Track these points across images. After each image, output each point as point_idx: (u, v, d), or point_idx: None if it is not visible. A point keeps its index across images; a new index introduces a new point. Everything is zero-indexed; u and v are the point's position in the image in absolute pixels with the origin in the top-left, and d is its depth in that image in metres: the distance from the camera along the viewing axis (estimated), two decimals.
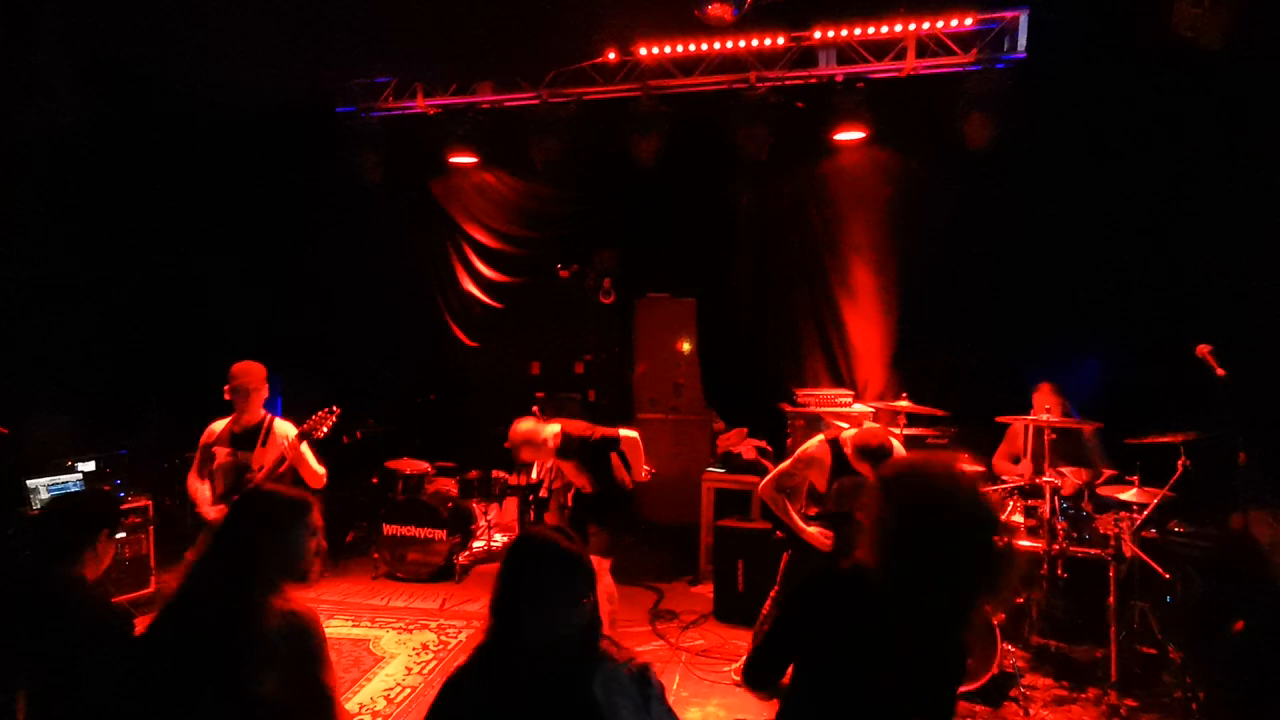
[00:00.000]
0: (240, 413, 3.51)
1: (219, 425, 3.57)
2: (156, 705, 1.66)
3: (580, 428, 3.78)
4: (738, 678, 1.95)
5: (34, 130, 4.63)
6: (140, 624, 1.93)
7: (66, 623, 1.97)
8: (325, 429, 3.48)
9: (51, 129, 4.63)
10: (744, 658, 1.81)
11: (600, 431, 3.79)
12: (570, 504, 4.04)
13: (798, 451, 3.59)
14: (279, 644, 1.65)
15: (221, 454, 3.49)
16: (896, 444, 3.45)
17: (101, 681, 1.89)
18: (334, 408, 3.54)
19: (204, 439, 3.58)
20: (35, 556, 2.14)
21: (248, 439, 3.49)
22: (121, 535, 4.44)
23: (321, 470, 3.57)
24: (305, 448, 3.50)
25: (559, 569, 1.53)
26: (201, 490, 3.50)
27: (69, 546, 2.11)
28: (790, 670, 1.72)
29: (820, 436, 3.58)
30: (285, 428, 3.53)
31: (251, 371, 3.48)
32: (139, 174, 5.38)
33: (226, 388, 3.48)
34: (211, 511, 3.43)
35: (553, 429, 3.71)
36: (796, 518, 3.46)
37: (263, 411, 3.56)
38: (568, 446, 3.72)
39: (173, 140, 5.47)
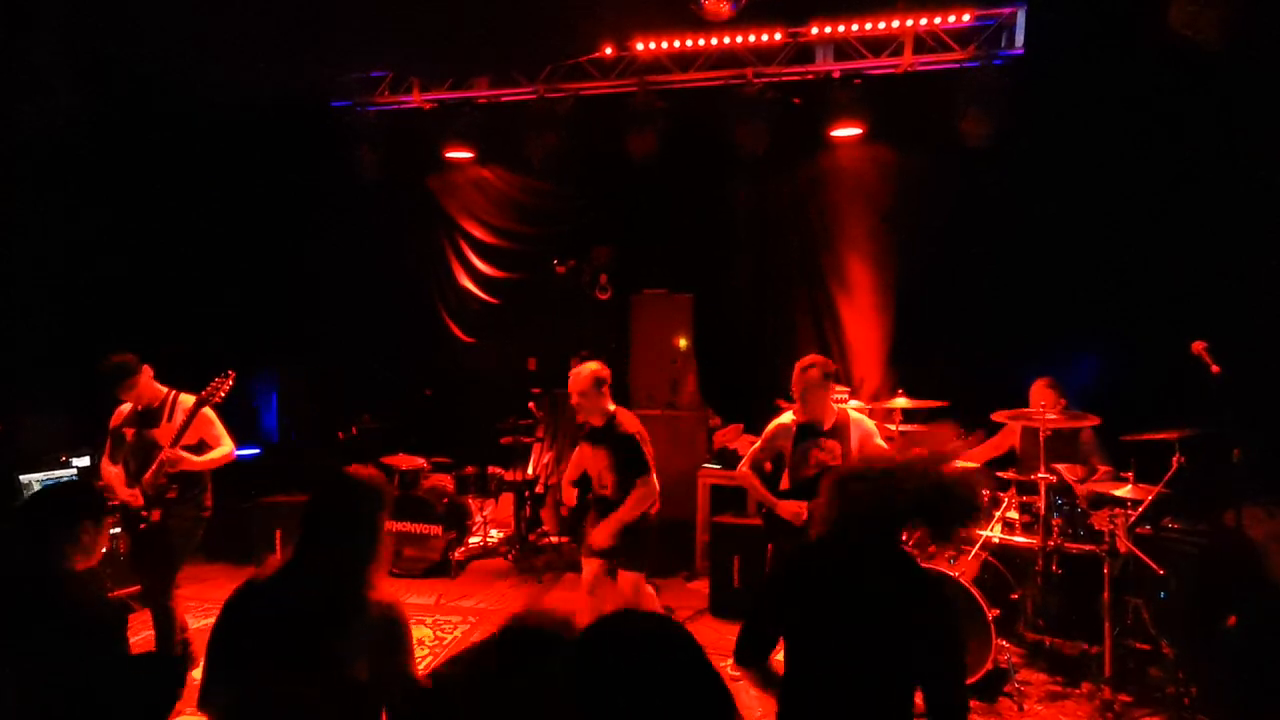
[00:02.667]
0: (136, 399, 3.49)
1: (126, 407, 3.55)
2: (260, 687, 1.70)
3: (626, 415, 3.47)
4: (735, 671, 2.00)
5: (34, 129, 4.65)
6: (137, 620, 1.95)
7: (56, 618, 1.98)
8: (222, 393, 3.46)
9: (51, 128, 4.65)
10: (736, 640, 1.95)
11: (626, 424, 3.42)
12: (570, 505, 3.94)
13: (769, 427, 3.65)
14: (375, 633, 1.73)
15: (129, 435, 3.48)
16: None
17: (88, 674, 1.90)
18: (229, 372, 3.50)
19: (112, 421, 3.55)
20: (19, 551, 2.14)
21: (152, 416, 3.47)
22: (116, 531, 4.47)
23: (228, 442, 3.54)
24: (210, 413, 3.47)
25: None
26: (113, 472, 3.48)
27: (49, 540, 2.11)
28: (784, 662, 1.81)
29: (791, 412, 3.63)
30: (188, 400, 3.50)
31: (121, 364, 3.44)
32: (139, 174, 5.40)
33: (111, 391, 3.44)
34: (126, 493, 3.39)
35: (591, 370, 3.41)
36: (768, 493, 3.52)
37: (164, 389, 3.54)
38: (605, 429, 3.42)
39: (173, 140, 5.48)
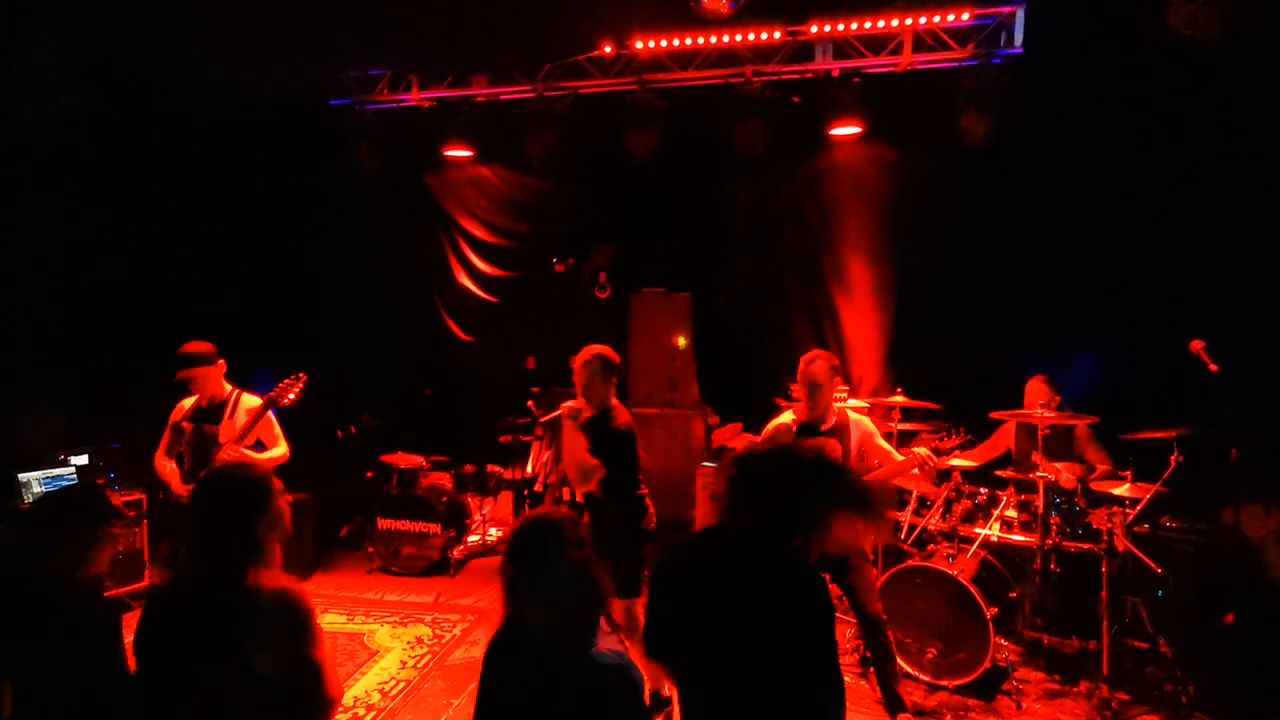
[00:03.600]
0: (201, 392, 3.52)
1: (188, 402, 3.59)
2: (158, 687, 1.73)
3: (623, 410, 3.21)
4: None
5: (33, 130, 4.65)
6: (134, 619, 1.97)
7: (54, 616, 1.99)
8: (292, 395, 3.47)
9: (51, 128, 4.66)
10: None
11: (622, 418, 3.16)
12: (567, 500, 3.88)
13: (769, 426, 3.61)
14: (272, 622, 1.72)
15: (188, 430, 3.51)
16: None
17: (86, 674, 1.91)
18: (300, 374, 3.51)
19: (173, 416, 3.59)
20: (30, 549, 2.16)
21: (213, 413, 3.51)
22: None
23: (284, 444, 3.57)
24: (272, 417, 3.51)
25: (537, 535, 1.70)
26: (168, 467, 3.53)
27: (69, 541, 2.14)
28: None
29: (790, 411, 3.61)
30: (251, 400, 3.53)
31: (194, 353, 3.48)
32: (139, 174, 5.40)
33: (178, 373, 3.47)
34: (182, 489, 3.45)
35: (598, 363, 3.19)
36: None
37: (228, 386, 3.58)
38: (598, 419, 3.19)
39: (173, 140, 5.48)
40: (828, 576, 3.08)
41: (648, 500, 3.34)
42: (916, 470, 3.48)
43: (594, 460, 3.13)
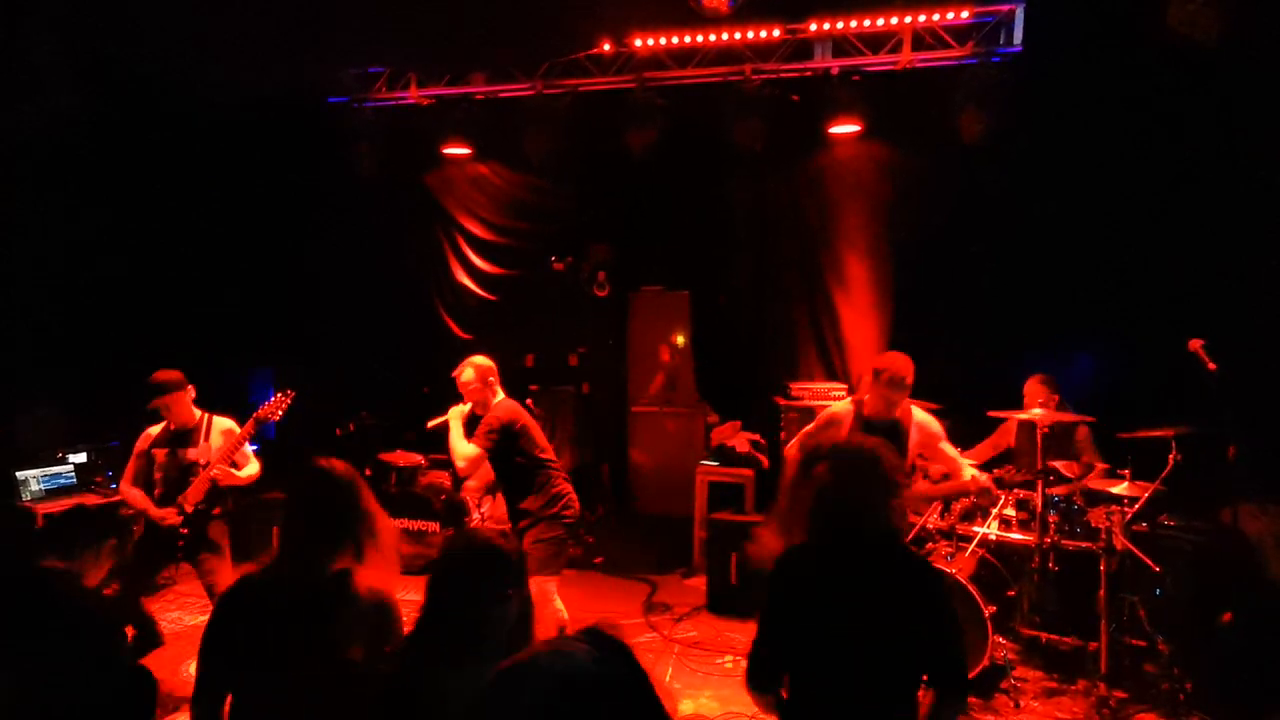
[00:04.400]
0: (170, 419, 3.52)
1: (155, 429, 3.58)
2: (259, 672, 1.77)
3: (496, 406, 3.40)
4: (730, 664, 2.01)
5: (33, 130, 4.66)
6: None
7: (54, 616, 1.99)
8: (281, 412, 3.53)
9: (51, 128, 4.67)
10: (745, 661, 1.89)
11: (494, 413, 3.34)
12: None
13: (825, 412, 3.61)
14: (368, 617, 1.80)
15: (160, 456, 3.50)
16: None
17: (86, 674, 1.92)
18: (289, 390, 3.58)
19: (140, 445, 3.55)
20: (28, 547, 2.17)
21: (186, 437, 3.52)
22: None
23: (256, 462, 3.64)
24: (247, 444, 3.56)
25: (464, 566, 1.64)
26: (136, 494, 3.49)
27: (75, 543, 2.17)
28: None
29: (848, 399, 3.60)
30: (224, 422, 3.57)
31: (164, 380, 3.47)
32: (139, 174, 5.41)
33: (150, 401, 3.47)
34: (158, 513, 3.40)
35: (472, 372, 3.44)
36: None
37: (196, 411, 3.58)
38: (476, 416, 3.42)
39: (173, 140, 5.49)
40: None
41: (561, 489, 3.45)
42: (972, 494, 3.47)
43: (469, 447, 3.33)
